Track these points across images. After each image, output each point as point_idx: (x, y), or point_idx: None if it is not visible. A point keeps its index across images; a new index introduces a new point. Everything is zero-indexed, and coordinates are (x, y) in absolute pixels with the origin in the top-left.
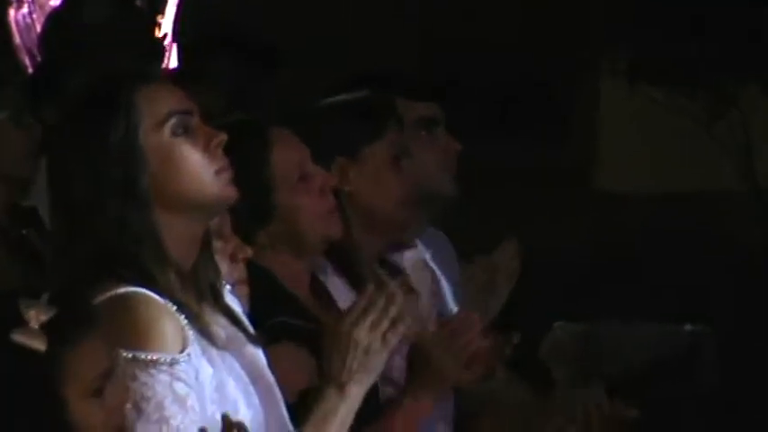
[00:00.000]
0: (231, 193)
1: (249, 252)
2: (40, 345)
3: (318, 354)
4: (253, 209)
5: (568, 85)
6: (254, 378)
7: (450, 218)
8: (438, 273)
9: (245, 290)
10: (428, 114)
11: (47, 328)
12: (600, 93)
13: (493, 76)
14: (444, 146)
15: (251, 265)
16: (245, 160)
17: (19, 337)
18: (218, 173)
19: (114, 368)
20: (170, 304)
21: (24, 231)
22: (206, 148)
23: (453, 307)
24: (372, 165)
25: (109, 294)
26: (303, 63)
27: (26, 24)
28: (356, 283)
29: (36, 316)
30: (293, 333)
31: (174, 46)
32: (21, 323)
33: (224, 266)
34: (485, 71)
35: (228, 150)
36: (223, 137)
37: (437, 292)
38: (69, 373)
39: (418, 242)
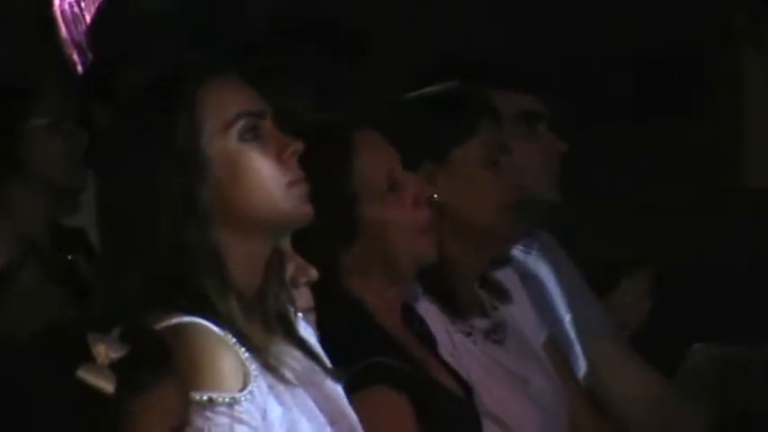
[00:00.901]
0: (305, 210)
1: (314, 275)
2: (107, 385)
3: (417, 401)
4: (335, 225)
5: (707, 63)
6: (333, 417)
7: (567, 220)
8: (548, 283)
9: (312, 318)
10: (529, 108)
11: (116, 368)
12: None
13: (611, 56)
14: (547, 145)
15: (337, 292)
16: (325, 167)
17: (85, 376)
18: (290, 186)
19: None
20: (229, 335)
21: (70, 257)
22: (278, 157)
23: (565, 314)
24: (464, 167)
25: (160, 326)
26: (385, 52)
27: (73, 15)
28: (453, 308)
29: (106, 352)
30: (388, 376)
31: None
32: (80, 358)
33: None
34: (602, 52)
35: (308, 156)
36: (299, 145)
37: (545, 304)
38: (137, 422)
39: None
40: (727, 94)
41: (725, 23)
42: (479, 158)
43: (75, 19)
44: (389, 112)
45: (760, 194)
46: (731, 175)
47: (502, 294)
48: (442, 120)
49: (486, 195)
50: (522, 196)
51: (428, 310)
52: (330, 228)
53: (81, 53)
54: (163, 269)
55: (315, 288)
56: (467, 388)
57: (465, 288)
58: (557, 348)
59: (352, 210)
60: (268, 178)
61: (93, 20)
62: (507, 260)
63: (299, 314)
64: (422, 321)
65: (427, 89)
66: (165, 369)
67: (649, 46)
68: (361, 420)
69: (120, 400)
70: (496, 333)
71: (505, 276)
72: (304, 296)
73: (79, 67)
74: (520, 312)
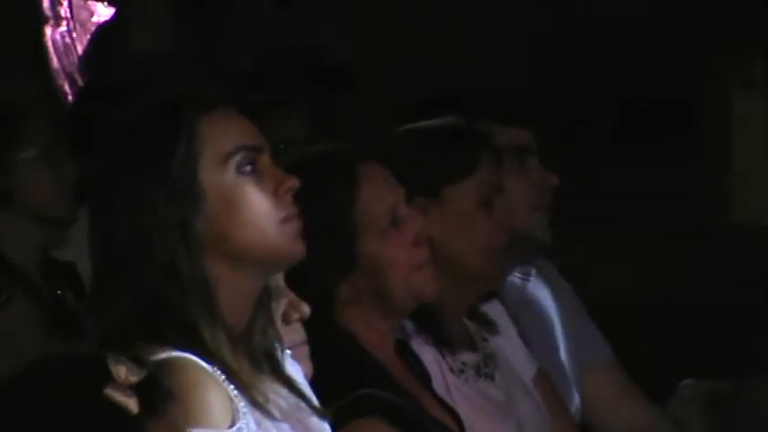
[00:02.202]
0: (298, 247)
1: (306, 311)
2: (132, 406)
3: None
4: (333, 256)
5: (696, 99)
6: None
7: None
8: (548, 308)
9: (304, 351)
10: (522, 142)
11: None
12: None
13: (609, 92)
14: (538, 179)
15: (328, 323)
16: (328, 197)
17: (113, 394)
18: (284, 222)
19: None
20: (218, 372)
21: (59, 291)
22: (274, 193)
23: (562, 342)
24: (458, 206)
25: (150, 360)
26: (381, 86)
27: (65, 45)
28: (443, 344)
29: (126, 375)
30: (380, 408)
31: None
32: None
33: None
34: (599, 88)
35: (311, 185)
36: (294, 182)
37: (544, 329)
38: None
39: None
40: (716, 131)
41: (713, 62)
42: (474, 197)
43: (67, 49)
44: (387, 144)
45: (747, 231)
46: (719, 212)
47: (489, 326)
48: (440, 155)
49: (478, 237)
50: (513, 236)
51: (422, 348)
52: (328, 258)
53: (72, 83)
54: (153, 298)
55: (308, 318)
56: (460, 424)
57: (454, 322)
58: (548, 380)
59: (351, 242)
60: (263, 213)
61: (86, 50)
62: (493, 293)
63: (288, 351)
64: (416, 357)
65: (427, 122)
66: (168, 399)
67: (639, 83)
68: None
69: (140, 423)
70: (487, 366)
71: (491, 308)
72: (296, 331)
73: (70, 98)
74: (507, 344)
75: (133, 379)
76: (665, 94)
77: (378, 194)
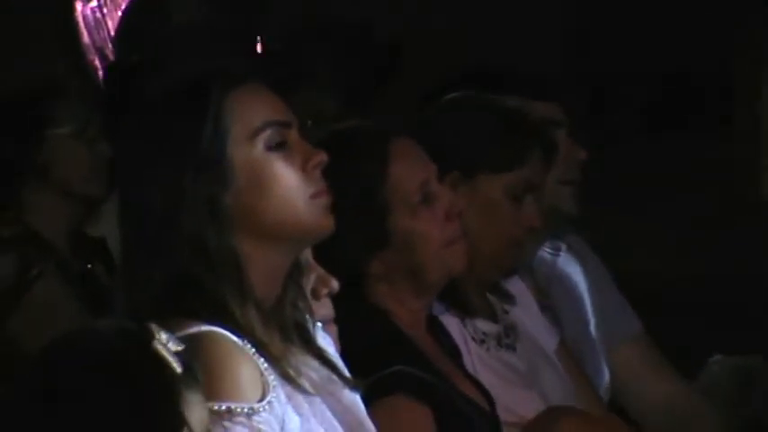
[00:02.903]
0: (327, 222)
1: (335, 286)
2: (176, 365)
3: (439, 412)
4: (365, 233)
5: (726, 78)
6: (351, 428)
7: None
8: (579, 283)
9: (333, 330)
10: (548, 115)
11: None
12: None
13: (640, 69)
14: (566, 154)
15: (362, 300)
16: (360, 174)
17: (161, 349)
18: (313, 197)
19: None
20: (248, 345)
21: (90, 265)
22: (303, 168)
23: (592, 317)
24: (489, 193)
25: (180, 334)
26: (419, 62)
27: (96, 20)
28: (466, 314)
29: (167, 342)
30: (412, 385)
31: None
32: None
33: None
34: (631, 65)
35: (343, 160)
36: (323, 157)
37: (574, 303)
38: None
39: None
40: (745, 109)
41: (744, 39)
42: (507, 191)
43: (98, 24)
44: (432, 115)
45: None
46: (750, 187)
47: (508, 298)
48: (491, 143)
49: (500, 227)
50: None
51: (450, 323)
52: (360, 235)
53: (103, 59)
54: (183, 273)
55: (339, 296)
56: (490, 400)
57: (476, 294)
58: (570, 353)
59: (383, 219)
60: (292, 188)
61: (118, 25)
62: (513, 271)
63: (318, 324)
64: (446, 333)
65: (482, 99)
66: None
67: (669, 60)
68: (381, 429)
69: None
70: (508, 337)
71: (513, 285)
72: (325, 306)
73: (101, 73)
74: (528, 317)
75: (173, 348)
76: (696, 72)
77: (409, 170)
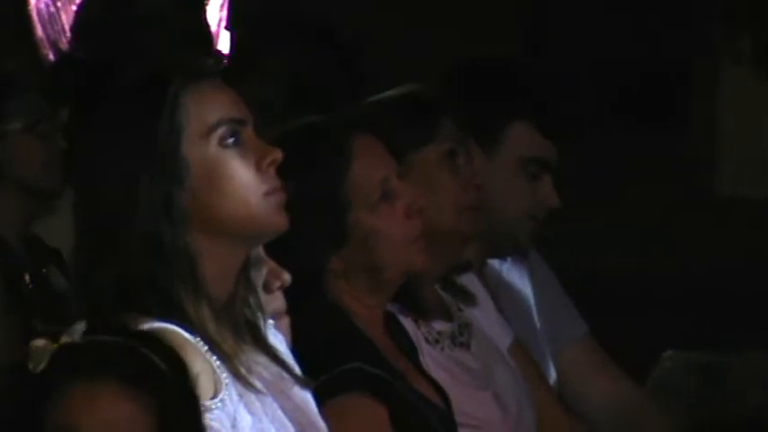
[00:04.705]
0: (281, 220)
1: (287, 279)
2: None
3: (395, 410)
4: (324, 229)
5: (682, 72)
6: (303, 426)
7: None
8: (523, 291)
9: (286, 322)
10: None
11: None
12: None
13: (598, 64)
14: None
15: (318, 297)
16: (319, 171)
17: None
18: (267, 195)
19: None
20: (201, 343)
21: (44, 270)
22: (257, 166)
23: (537, 323)
24: (423, 170)
25: (131, 332)
26: (381, 55)
27: (49, 14)
28: (418, 313)
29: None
30: (368, 383)
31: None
32: None
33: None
34: (589, 59)
35: (301, 157)
36: (278, 154)
37: (517, 312)
38: None
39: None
40: (703, 103)
41: (703, 35)
42: (437, 162)
43: (51, 18)
44: (359, 115)
45: (731, 203)
46: (707, 182)
47: (466, 297)
48: (401, 124)
49: (447, 197)
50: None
51: (404, 323)
52: (319, 232)
53: (57, 53)
54: (136, 270)
55: (295, 292)
56: (446, 398)
57: (427, 291)
58: (525, 350)
59: (343, 216)
60: (246, 186)
61: (74, 19)
62: (468, 265)
63: (270, 321)
64: (403, 331)
65: (387, 92)
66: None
67: (630, 55)
68: (335, 427)
69: None
70: (462, 335)
71: (468, 281)
72: (277, 299)
73: (54, 68)
74: (483, 315)
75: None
76: (655, 66)
77: (370, 167)
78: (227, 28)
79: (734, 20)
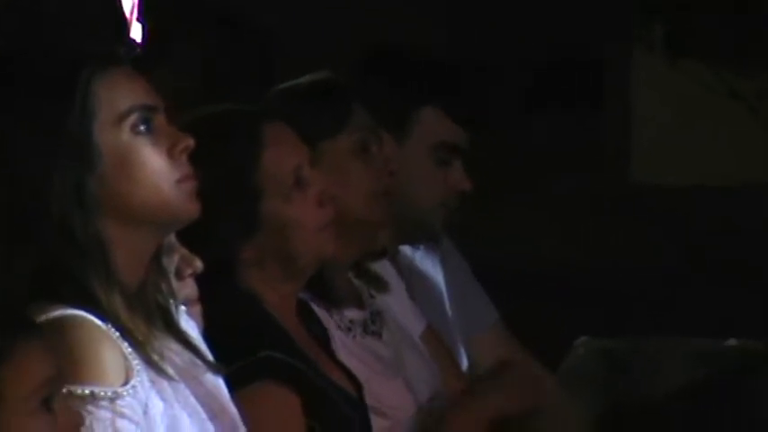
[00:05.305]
0: (193, 207)
1: (199, 266)
2: None
3: (307, 398)
4: (237, 217)
5: (596, 60)
6: (214, 413)
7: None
8: (435, 279)
9: (197, 309)
10: None
11: None
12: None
13: (512, 53)
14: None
15: (231, 284)
16: (231, 158)
17: None
18: (179, 182)
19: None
20: (112, 329)
21: None
22: (169, 153)
23: (448, 312)
24: (334, 157)
25: (42, 318)
26: (297, 44)
27: None
28: (330, 301)
29: None
30: (280, 371)
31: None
32: None
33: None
34: (504, 47)
35: (213, 144)
36: (190, 141)
37: (429, 300)
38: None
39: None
40: (617, 89)
41: (617, 22)
42: (349, 149)
43: None
44: (266, 104)
45: (646, 190)
46: (619, 169)
47: (379, 284)
48: (312, 112)
49: (358, 184)
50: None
51: (316, 309)
52: (232, 220)
53: None
54: (48, 259)
55: (208, 279)
56: (359, 386)
57: (339, 279)
58: (437, 336)
59: (255, 203)
60: (157, 173)
61: None
62: (383, 252)
63: (182, 307)
64: (316, 319)
65: (298, 80)
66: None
67: (544, 42)
68: (247, 415)
69: None
70: (374, 323)
71: (382, 267)
72: (189, 286)
73: None
74: (396, 302)
75: None
76: (568, 58)
77: (282, 155)
78: (138, 17)
79: (647, 6)
